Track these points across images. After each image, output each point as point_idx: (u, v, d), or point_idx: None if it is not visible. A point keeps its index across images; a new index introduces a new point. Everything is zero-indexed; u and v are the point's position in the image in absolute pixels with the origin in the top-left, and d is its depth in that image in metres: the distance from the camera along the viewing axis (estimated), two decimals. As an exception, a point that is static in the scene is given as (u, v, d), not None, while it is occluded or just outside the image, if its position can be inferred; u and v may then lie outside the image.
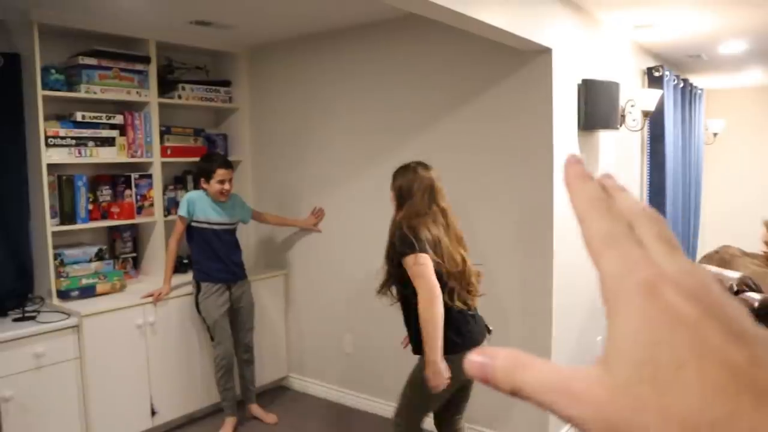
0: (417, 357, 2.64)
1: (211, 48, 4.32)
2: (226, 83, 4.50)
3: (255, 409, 3.95)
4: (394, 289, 2.69)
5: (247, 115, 4.54)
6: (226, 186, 3.68)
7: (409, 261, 2.47)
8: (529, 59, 3.22)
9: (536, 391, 0.29)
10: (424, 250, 2.48)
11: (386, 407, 3.94)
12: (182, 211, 3.64)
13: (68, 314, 3.33)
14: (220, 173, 3.65)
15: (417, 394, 2.62)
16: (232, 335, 3.79)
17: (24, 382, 3.12)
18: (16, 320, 3.26)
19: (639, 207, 0.33)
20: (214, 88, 4.40)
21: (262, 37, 4.20)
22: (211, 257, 3.68)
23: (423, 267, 2.45)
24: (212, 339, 3.73)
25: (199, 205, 3.66)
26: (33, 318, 3.28)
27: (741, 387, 0.25)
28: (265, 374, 4.26)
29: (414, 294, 2.48)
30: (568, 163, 0.36)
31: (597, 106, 3.50)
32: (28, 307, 3.43)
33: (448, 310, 2.51)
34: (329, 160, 4.08)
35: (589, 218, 0.32)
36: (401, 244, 2.52)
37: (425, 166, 2.74)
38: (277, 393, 4.39)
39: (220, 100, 4.43)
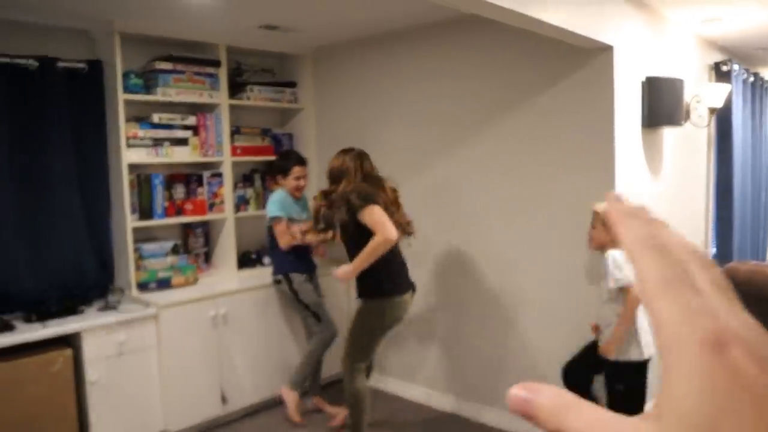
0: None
1: (278, 51, 4.48)
2: (292, 84, 4.66)
3: (318, 401, 4.05)
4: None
5: (311, 114, 4.68)
6: (302, 182, 3.88)
7: (366, 212, 3.11)
8: (590, 57, 3.24)
9: None
10: (377, 203, 3.15)
11: (445, 402, 4.02)
12: (279, 212, 3.79)
13: (147, 305, 3.53)
14: (297, 170, 3.85)
15: (361, 335, 3.34)
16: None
17: (108, 367, 3.35)
18: (100, 310, 3.48)
19: (690, 247, 0.31)
20: (280, 89, 4.56)
21: (326, 39, 4.33)
22: (298, 250, 3.84)
23: (381, 215, 3.12)
24: (318, 320, 3.85)
25: (288, 204, 3.85)
26: (115, 308, 3.50)
27: None
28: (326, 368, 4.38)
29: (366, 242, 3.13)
30: (611, 201, 0.35)
31: (660, 103, 3.48)
32: (110, 297, 3.66)
33: (392, 259, 3.27)
34: (390, 158, 4.17)
35: (642, 258, 0.31)
36: (358, 199, 3.15)
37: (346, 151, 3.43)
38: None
39: (286, 100, 4.59)
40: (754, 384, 0.25)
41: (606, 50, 3.19)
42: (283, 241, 3.78)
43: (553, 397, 0.30)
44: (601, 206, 3.46)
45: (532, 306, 3.59)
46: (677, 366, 0.27)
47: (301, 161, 3.93)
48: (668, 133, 3.81)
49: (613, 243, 2.76)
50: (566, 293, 3.43)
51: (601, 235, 2.83)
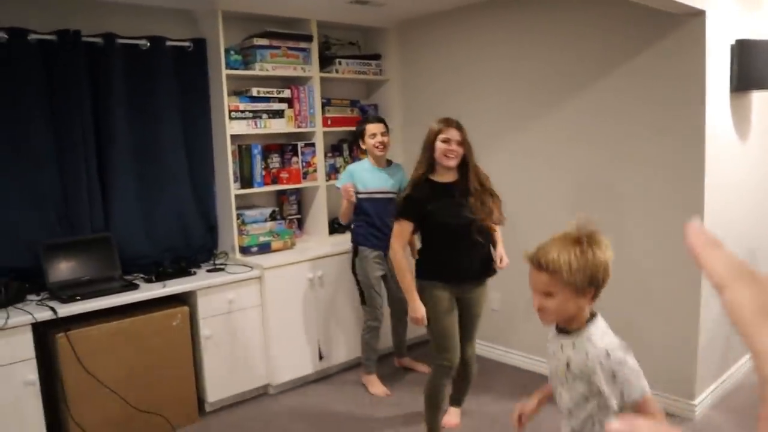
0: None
1: (364, 24, 4.63)
2: (377, 57, 4.81)
3: (407, 361, 4.29)
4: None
5: (396, 85, 4.83)
6: (379, 138, 3.80)
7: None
8: (680, 23, 3.25)
9: None
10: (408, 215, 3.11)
11: (524, 360, 4.17)
12: (339, 183, 3.87)
13: (251, 267, 3.80)
14: (371, 128, 3.82)
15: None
16: (388, 298, 4.04)
17: (219, 323, 3.65)
18: (209, 271, 3.78)
19: None
20: (366, 61, 4.72)
21: (411, 11, 4.44)
22: (369, 224, 3.82)
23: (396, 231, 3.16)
24: (363, 302, 3.92)
25: (358, 175, 3.83)
26: (222, 269, 3.79)
27: None
28: (414, 329, 4.59)
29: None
30: (691, 232, 0.34)
31: (751, 67, 3.46)
32: (216, 260, 3.95)
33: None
34: (475, 128, 4.25)
35: (734, 288, 0.30)
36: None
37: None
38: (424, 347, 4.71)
39: (371, 72, 4.75)
40: None
41: (698, 15, 3.20)
42: (341, 211, 3.86)
43: (652, 428, 0.30)
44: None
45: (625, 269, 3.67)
46: None
47: (375, 119, 3.93)
48: (757, 97, 3.78)
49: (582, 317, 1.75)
50: (659, 261, 3.50)
51: (568, 303, 1.71)
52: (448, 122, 3.09)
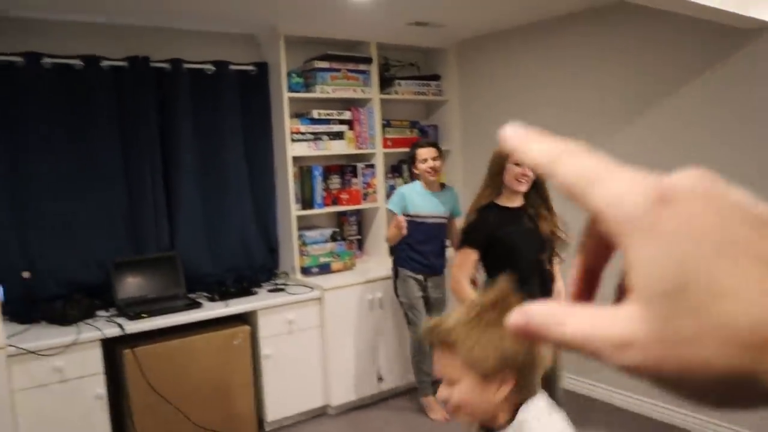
0: None
1: (423, 45, 4.65)
2: (436, 77, 4.82)
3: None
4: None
5: (456, 106, 4.82)
6: (430, 163, 3.69)
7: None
8: (748, 37, 3.14)
9: (583, 344, 0.27)
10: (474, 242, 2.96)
11: (615, 395, 4.03)
12: (392, 205, 3.83)
13: (311, 288, 3.82)
14: (422, 152, 3.73)
15: None
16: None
17: (279, 343, 3.67)
18: (270, 291, 3.82)
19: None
20: (425, 82, 4.73)
21: (471, 31, 4.44)
22: (412, 247, 3.74)
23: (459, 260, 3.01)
24: (408, 323, 3.87)
25: (409, 198, 3.75)
26: (283, 290, 3.82)
27: None
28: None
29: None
30: (506, 132, 0.34)
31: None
32: (277, 280, 3.99)
33: None
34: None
35: (563, 162, 0.31)
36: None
37: None
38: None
39: (431, 93, 4.75)
40: (706, 223, 0.25)
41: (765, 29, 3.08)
42: (388, 234, 3.73)
43: (543, 315, 0.29)
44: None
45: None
46: (633, 237, 0.26)
47: (428, 143, 3.82)
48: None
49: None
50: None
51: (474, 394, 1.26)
52: None
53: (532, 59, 4.22)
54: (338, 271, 4.11)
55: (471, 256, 2.88)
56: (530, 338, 0.29)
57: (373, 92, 4.33)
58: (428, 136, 4.76)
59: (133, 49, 3.67)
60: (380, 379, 4.06)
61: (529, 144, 0.33)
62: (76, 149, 3.53)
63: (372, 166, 4.38)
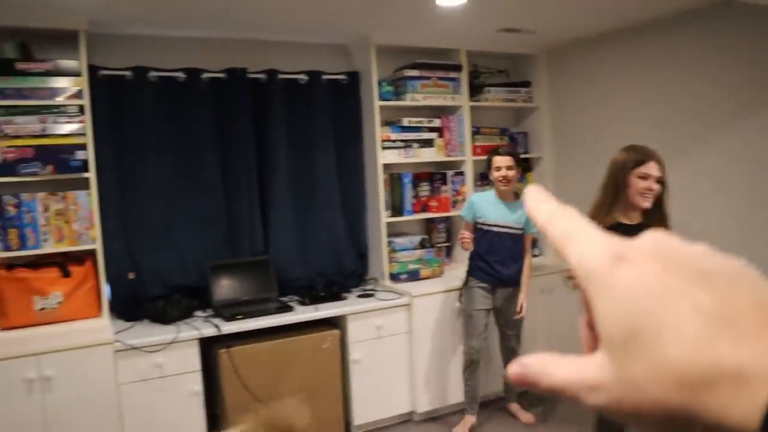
0: None
1: (513, 51, 4.60)
2: (527, 84, 4.75)
3: (514, 407, 4.00)
4: None
5: (546, 113, 4.73)
6: (503, 172, 3.58)
7: None
8: None
9: (564, 390, 0.32)
10: None
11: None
12: (463, 211, 3.84)
13: (400, 294, 3.84)
14: (497, 160, 3.61)
15: None
16: (499, 337, 3.86)
17: (368, 348, 3.70)
18: (359, 296, 3.86)
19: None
20: (515, 89, 4.68)
21: (563, 36, 4.35)
22: (480, 256, 3.69)
23: None
24: (465, 334, 3.81)
25: (479, 205, 3.71)
26: (372, 295, 3.85)
27: (716, 329, 0.26)
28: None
29: None
30: (530, 193, 0.39)
31: None
32: (366, 286, 4.03)
33: None
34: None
35: (553, 223, 0.36)
36: None
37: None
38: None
39: (520, 100, 4.69)
40: (650, 278, 0.29)
41: None
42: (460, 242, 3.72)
43: (536, 365, 0.33)
44: None
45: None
46: (595, 294, 0.31)
47: (501, 151, 3.65)
48: None
49: None
50: None
51: None
52: (648, 154, 2.61)
53: (627, 64, 4.08)
54: (427, 278, 4.10)
55: None
56: (527, 386, 0.34)
57: (462, 99, 4.32)
58: (517, 143, 4.70)
59: (231, 62, 3.83)
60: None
61: (540, 204, 0.38)
62: (177, 157, 3.72)
63: (461, 173, 4.37)
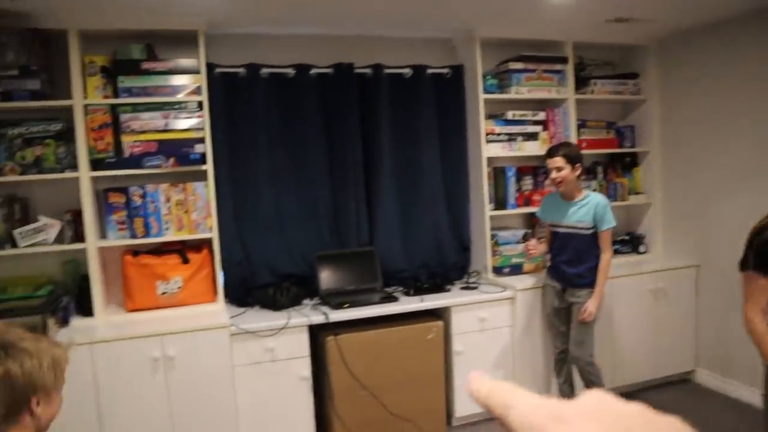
0: None
1: (620, 42, 4.47)
2: (634, 75, 4.60)
3: None
4: None
5: (656, 106, 4.56)
6: (553, 174, 3.46)
7: None
8: None
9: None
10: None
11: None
12: (538, 213, 3.83)
13: (503, 288, 3.82)
14: (547, 162, 3.52)
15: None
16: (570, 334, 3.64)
17: (471, 340, 3.71)
18: (462, 289, 3.87)
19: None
20: (622, 81, 4.54)
21: (674, 26, 4.19)
22: (552, 256, 3.67)
23: None
24: (549, 332, 3.82)
25: (546, 206, 3.71)
26: (476, 288, 3.85)
27: None
28: (667, 364, 4.25)
29: None
30: (472, 381, 0.43)
31: None
32: (469, 278, 4.03)
33: None
34: (747, 148, 3.88)
35: (491, 396, 0.40)
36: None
37: None
38: (679, 386, 4.32)
39: (628, 92, 4.55)
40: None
41: None
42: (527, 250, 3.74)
43: (479, 385, 0.41)
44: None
45: None
46: (518, 410, 0.36)
47: (550, 152, 3.51)
48: None
49: None
50: None
51: None
52: None
53: (743, 54, 3.87)
54: (529, 272, 4.06)
55: (762, 284, 2.12)
56: (477, 402, 0.41)
57: (568, 92, 4.24)
58: (624, 136, 4.57)
59: (338, 57, 3.92)
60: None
61: (479, 384, 0.42)
62: (287, 151, 3.85)
63: (566, 167, 4.28)
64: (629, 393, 4.13)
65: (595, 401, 0.36)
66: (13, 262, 3.44)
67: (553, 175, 3.46)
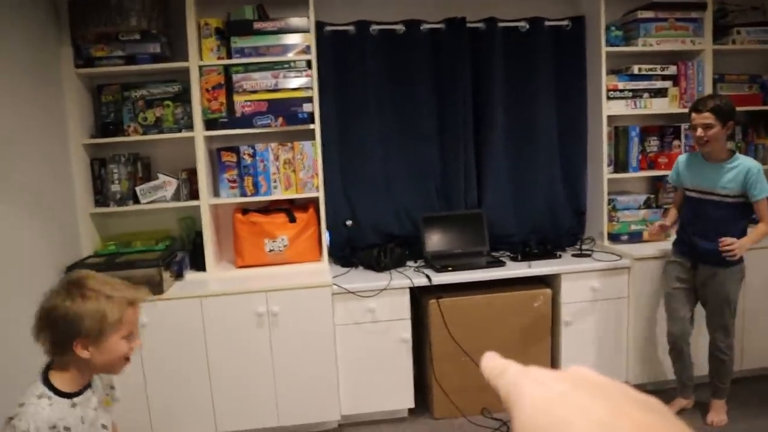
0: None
1: (773, -15, 3.96)
2: (787, 23, 4.07)
3: (678, 402, 3.47)
4: None
5: (812, 56, 4.03)
6: (699, 132, 3.04)
7: None
8: None
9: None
10: None
11: None
12: (670, 176, 3.42)
13: (619, 256, 3.57)
14: (692, 118, 3.08)
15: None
16: (706, 320, 3.28)
17: (581, 311, 3.52)
18: (574, 256, 3.67)
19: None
20: (771, 29, 4.03)
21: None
22: (683, 225, 3.29)
23: None
24: (666, 313, 3.39)
25: (682, 167, 3.29)
26: (589, 255, 3.64)
27: None
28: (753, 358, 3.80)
29: None
30: (485, 356, 0.47)
31: None
32: (582, 245, 3.82)
33: None
34: None
35: (500, 377, 0.42)
36: None
37: None
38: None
39: (779, 42, 4.04)
40: (559, 393, 0.35)
41: None
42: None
43: (488, 361, 0.44)
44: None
45: None
46: (522, 391, 0.37)
47: (696, 106, 3.08)
48: None
49: None
50: None
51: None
52: None
53: None
54: (650, 241, 3.76)
55: None
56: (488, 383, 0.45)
57: (704, 43, 3.82)
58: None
59: (449, 11, 3.77)
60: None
61: (491, 361, 0.45)
62: (395, 110, 3.78)
63: (698, 127, 3.90)
64: (756, 377, 3.78)
65: (576, 371, 0.39)
66: (136, 218, 3.67)
67: (699, 132, 3.04)
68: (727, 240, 2.97)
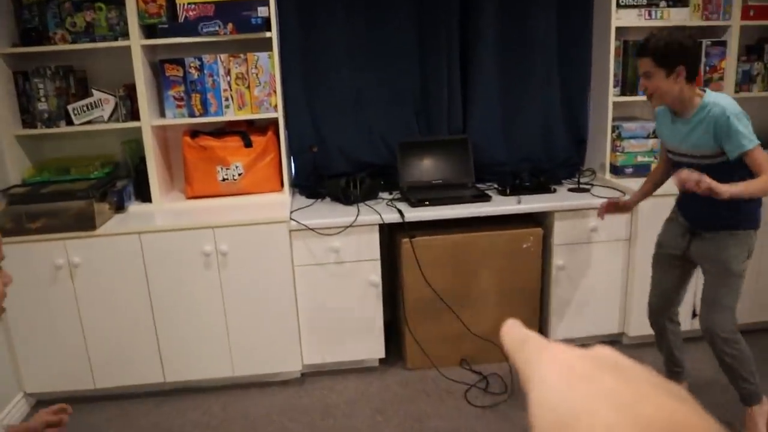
0: None
1: None
2: None
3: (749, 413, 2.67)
4: None
5: None
6: (642, 81, 2.35)
7: None
8: None
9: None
10: None
11: None
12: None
13: (622, 192, 3.13)
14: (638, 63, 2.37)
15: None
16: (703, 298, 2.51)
17: (575, 253, 3.11)
18: (571, 190, 3.23)
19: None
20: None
21: None
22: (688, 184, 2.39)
23: None
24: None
25: (658, 122, 2.56)
26: (588, 190, 3.20)
27: (631, 426, 0.27)
28: None
29: None
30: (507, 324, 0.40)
31: None
32: (581, 178, 3.37)
33: None
34: None
35: (521, 350, 0.37)
36: None
37: None
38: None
39: (822, -57, 3.45)
40: (581, 372, 0.31)
41: None
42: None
43: (509, 331, 0.39)
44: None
45: None
46: (540, 367, 0.33)
47: (639, 50, 2.33)
48: None
49: None
50: None
51: None
52: None
53: None
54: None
55: None
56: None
57: (736, -59, 3.25)
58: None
59: None
60: (695, 314, 3.26)
61: (512, 331, 0.39)
62: (368, 17, 3.25)
63: (722, 43, 3.37)
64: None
65: (600, 351, 0.34)
66: (74, 141, 3.23)
67: (642, 82, 2.36)
68: (697, 176, 2.11)
